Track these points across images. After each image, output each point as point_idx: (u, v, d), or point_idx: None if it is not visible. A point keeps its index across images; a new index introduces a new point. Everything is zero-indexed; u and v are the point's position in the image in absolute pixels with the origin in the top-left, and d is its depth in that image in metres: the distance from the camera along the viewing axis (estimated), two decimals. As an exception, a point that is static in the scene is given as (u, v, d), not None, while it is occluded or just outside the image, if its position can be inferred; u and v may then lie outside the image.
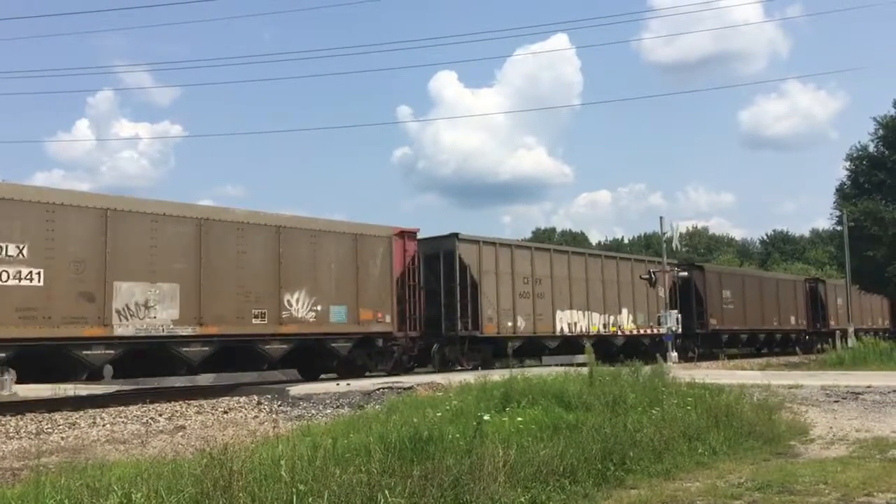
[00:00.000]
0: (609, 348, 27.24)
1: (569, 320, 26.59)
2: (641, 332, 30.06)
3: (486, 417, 8.05)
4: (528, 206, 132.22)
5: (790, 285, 40.88)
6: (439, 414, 8.93)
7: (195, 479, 5.72)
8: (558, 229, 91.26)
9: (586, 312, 27.41)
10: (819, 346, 39.42)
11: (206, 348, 16.45)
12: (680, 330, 30.15)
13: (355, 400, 14.80)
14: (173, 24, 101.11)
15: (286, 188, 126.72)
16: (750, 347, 37.40)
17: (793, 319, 39.55)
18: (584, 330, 27.09)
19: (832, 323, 41.09)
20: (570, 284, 26.87)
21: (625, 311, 29.37)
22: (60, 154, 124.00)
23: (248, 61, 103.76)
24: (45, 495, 5.51)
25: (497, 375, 13.19)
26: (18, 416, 13.05)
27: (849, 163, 37.31)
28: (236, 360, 17.82)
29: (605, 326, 28.17)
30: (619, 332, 28.86)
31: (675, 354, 28.06)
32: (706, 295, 33.64)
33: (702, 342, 33.56)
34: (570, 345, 26.62)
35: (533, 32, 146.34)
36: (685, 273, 32.65)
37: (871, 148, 36.72)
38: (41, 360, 14.93)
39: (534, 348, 25.92)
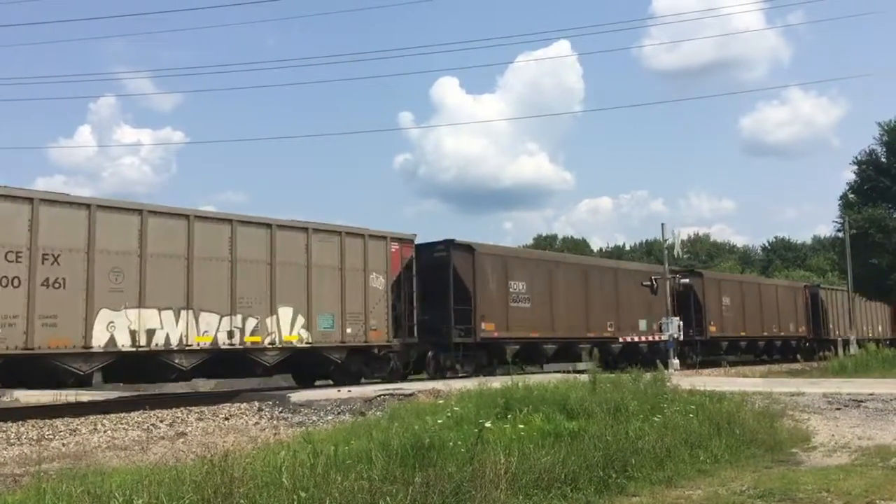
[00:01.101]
0: (250, 368, 18.24)
1: (134, 325, 15.58)
2: (330, 341, 19.21)
3: (488, 424, 8.03)
4: (529, 212, 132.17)
5: (629, 276, 29.62)
6: (440, 421, 8.91)
7: (196, 485, 5.72)
8: (560, 236, 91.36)
9: (184, 312, 16.37)
10: (693, 358, 30.91)
11: None
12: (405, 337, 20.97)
13: (356, 406, 14.80)
14: (175, 30, 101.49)
15: (288, 194, 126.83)
16: (562, 363, 25.28)
17: (643, 324, 29.70)
18: (175, 340, 16.16)
19: (713, 329, 33.03)
20: (141, 265, 15.77)
21: (285, 310, 18.24)
22: (62, 160, 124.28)
23: (249, 68, 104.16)
24: (47, 502, 5.51)
25: (498, 383, 13.16)
26: (20, 423, 13.05)
27: (855, 167, 37.16)
28: None
29: (231, 335, 17.18)
30: (272, 343, 18.02)
31: (676, 362, 27.65)
32: (477, 288, 22.81)
33: (469, 356, 22.89)
34: (140, 365, 16.25)
35: (535, 39, 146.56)
36: (442, 253, 22.84)
37: (877, 153, 36.63)
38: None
39: (37, 372, 14.96)
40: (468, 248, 23.43)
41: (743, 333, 35.61)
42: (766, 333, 37.25)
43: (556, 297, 25.84)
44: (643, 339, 29.72)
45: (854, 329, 37.65)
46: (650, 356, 26.87)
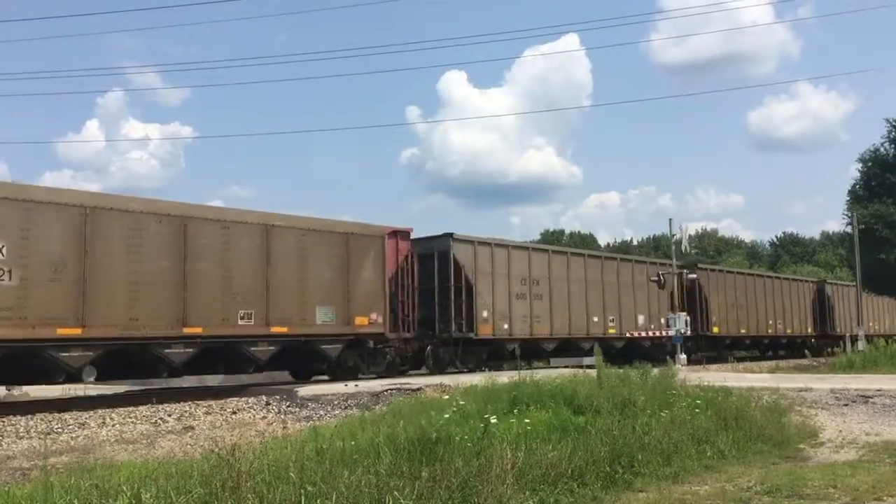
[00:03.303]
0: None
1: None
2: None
3: (494, 420, 8.02)
4: (536, 207, 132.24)
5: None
6: (447, 416, 8.92)
7: (204, 479, 5.73)
8: (567, 231, 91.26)
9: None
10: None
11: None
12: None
13: (363, 401, 14.81)
14: (183, 25, 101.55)
15: (295, 189, 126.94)
16: (237, 374, 19.09)
17: (375, 317, 23.07)
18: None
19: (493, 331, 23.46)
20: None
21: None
22: (70, 154, 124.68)
23: (256, 63, 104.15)
24: (55, 495, 5.54)
25: (505, 377, 13.18)
26: (28, 416, 13.11)
27: (860, 165, 37.15)
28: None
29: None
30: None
31: (683, 357, 27.68)
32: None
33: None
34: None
35: (543, 34, 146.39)
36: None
37: (883, 150, 36.53)
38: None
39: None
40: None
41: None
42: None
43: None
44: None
45: (862, 325, 37.40)
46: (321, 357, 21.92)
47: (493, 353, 23.55)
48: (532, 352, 24.64)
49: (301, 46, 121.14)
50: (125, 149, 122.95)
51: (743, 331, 33.98)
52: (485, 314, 22.63)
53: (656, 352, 27.54)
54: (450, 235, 22.36)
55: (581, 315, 26.36)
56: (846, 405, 13.27)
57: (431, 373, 21.03)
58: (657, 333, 29.17)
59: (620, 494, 7.21)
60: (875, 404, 13.23)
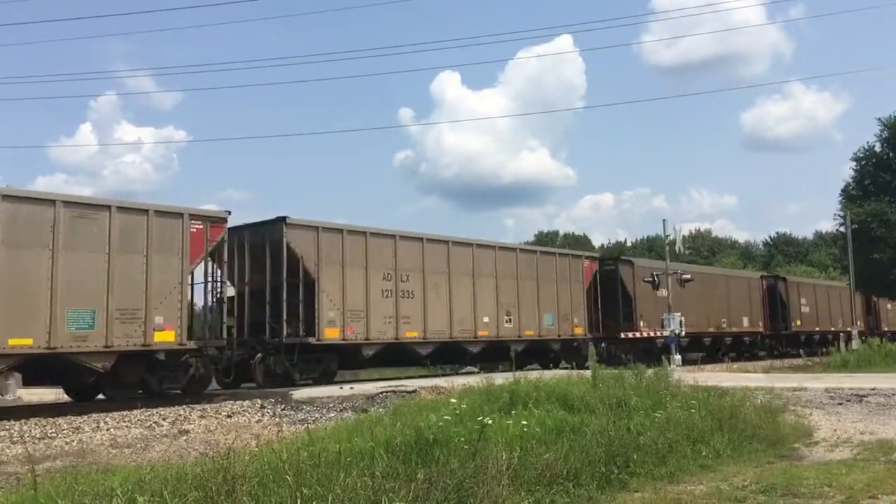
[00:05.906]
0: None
1: None
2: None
3: (489, 421, 8.01)
4: (530, 208, 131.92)
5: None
6: (446, 417, 8.90)
7: (199, 483, 5.72)
8: (561, 232, 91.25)
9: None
10: None
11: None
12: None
13: (358, 403, 14.81)
14: (176, 28, 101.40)
15: (290, 192, 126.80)
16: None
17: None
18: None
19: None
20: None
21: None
22: (63, 158, 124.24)
23: (250, 65, 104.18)
24: (49, 500, 5.52)
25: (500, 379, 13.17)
26: (23, 421, 13.08)
27: (854, 163, 37.19)
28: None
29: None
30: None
31: (678, 357, 27.86)
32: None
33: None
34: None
35: (536, 35, 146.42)
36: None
37: (877, 148, 36.57)
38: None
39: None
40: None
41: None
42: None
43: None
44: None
45: (855, 324, 37.53)
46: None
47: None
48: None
49: (294, 49, 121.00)
50: (118, 152, 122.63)
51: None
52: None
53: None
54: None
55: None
56: (840, 404, 13.30)
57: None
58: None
59: (616, 495, 7.22)
60: (869, 403, 13.27)
